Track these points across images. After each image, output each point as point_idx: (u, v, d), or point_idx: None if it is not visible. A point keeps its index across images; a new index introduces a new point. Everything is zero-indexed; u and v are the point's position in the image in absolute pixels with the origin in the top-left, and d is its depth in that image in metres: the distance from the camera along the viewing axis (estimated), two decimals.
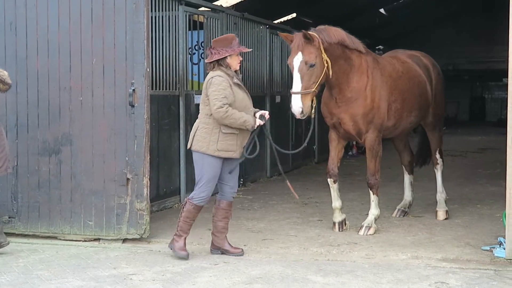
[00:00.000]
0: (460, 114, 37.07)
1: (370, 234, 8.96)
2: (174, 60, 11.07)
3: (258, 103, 14.13)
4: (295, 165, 15.73)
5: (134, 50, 8.53)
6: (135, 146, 8.59)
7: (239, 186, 13.03)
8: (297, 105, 8.15)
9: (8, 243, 8.26)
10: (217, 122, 7.69)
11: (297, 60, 8.25)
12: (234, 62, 7.86)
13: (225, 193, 8.04)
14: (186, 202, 7.92)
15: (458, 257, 7.95)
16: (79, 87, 8.76)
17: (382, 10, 27.94)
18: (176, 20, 11.07)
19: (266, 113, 7.93)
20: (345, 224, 9.22)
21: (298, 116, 8.21)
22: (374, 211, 9.17)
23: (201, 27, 12.32)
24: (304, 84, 8.20)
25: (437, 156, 10.41)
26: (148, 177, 8.67)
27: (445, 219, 9.92)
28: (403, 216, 10.22)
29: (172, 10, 10.98)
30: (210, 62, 7.85)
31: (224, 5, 18.00)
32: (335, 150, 9.23)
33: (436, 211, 10.10)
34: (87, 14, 8.69)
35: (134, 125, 8.57)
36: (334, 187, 9.19)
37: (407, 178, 10.50)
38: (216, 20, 12.40)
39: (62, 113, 8.84)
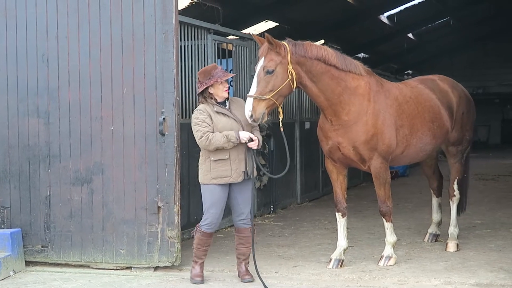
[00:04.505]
0: (492, 137, 36.75)
1: (390, 265, 8.65)
2: None
3: (287, 130, 14.26)
4: (325, 191, 15.69)
5: (164, 80, 8.62)
6: (166, 174, 8.65)
7: (269, 213, 13.14)
8: (247, 108, 7.85)
9: None
10: (207, 151, 7.87)
11: (258, 65, 8.06)
12: (219, 91, 7.89)
13: (234, 220, 8.16)
14: (196, 230, 8.06)
15: (491, 282, 7.87)
16: (110, 117, 8.86)
17: (410, 35, 27.98)
18: (205, 48, 11.17)
19: (250, 137, 7.84)
20: (342, 264, 8.67)
21: (249, 120, 7.89)
22: (390, 238, 8.81)
23: (230, 55, 12.43)
24: (259, 89, 7.92)
25: (455, 187, 9.87)
26: (179, 205, 8.72)
27: (456, 251, 9.43)
28: (435, 240, 10.13)
29: (201, 39, 11.07)
30: (198, 95, 7.99)
31: (252, 33, 18.14)
32: (337, 182, 8.85)
33: (447, 243, 9.62)
34: (118, 45, 8.80)
35: (164, 154, 8.64)
36: (341, 223, 8.79)
37: (435, 201, 10.32)
38: (244, 48, 12.50)
39: (94, 142, 8.93)
